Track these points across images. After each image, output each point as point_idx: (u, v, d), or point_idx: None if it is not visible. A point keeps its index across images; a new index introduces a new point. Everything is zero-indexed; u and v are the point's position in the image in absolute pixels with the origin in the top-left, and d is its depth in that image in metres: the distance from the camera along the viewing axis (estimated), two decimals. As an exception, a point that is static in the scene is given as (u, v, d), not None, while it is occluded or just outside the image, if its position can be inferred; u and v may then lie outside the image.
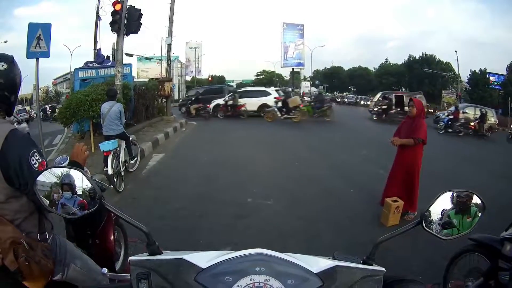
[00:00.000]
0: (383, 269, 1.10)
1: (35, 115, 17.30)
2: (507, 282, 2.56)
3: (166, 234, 4.79)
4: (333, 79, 75.32)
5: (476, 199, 1.21)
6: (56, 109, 19.89)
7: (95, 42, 19.11)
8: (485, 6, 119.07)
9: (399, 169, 5.61)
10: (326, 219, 5.56)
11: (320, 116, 20.43)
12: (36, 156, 1.80)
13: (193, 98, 23.11)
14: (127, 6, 11.63)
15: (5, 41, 42.83)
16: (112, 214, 2.57)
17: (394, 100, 25.60)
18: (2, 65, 1.83)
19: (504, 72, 52.01)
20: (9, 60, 1.87)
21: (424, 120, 5.69)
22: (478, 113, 22.16)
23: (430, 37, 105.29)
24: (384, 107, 24.14)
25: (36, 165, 1.77)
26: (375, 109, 25.58)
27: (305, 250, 1.27)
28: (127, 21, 11.67)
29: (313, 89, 52.70)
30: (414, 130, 5.43)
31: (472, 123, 20.69)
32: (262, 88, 25.59)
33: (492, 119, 22.01)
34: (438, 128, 20.72)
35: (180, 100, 28.90)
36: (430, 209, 1.20)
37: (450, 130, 19.85)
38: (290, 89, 36.60)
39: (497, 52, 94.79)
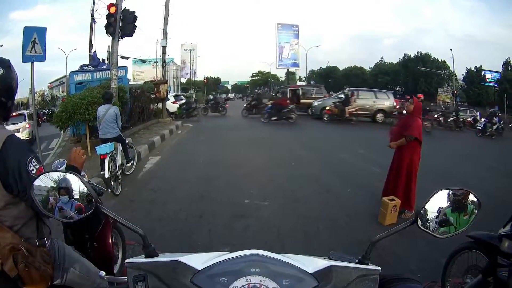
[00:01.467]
0: (379, 268, 1.10)
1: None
2: (506, 278, 2.57)
3: (164, 236, 4.80)
4: (328, 79, 75.34)
5: (471, 197, 1.21)
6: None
7: (90, 45, 19.09)
8: (481, 4, 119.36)
9: (398, 168, 5.63)
10: (324, 219, 5.57)
11: (188, 117, 22.26)
12: (34, 162, 1.79)
13: None
14: (122, 9, 11.62)
15: (1, 45, 42.69)
16: (109, 217, 2.57)
17: (289, 93, 26.04)
18: None
19: (500, 69, 52.26)
20: (6, 64, 1.84)
21: (420, 118, 5.73)
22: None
23: (426, 35, 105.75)
24: (253, 102, 24.26)
25: (34, 172, 1.75)
26: (245, 104, 26.20)
27: (303, 250, 1.28)
28: (122, 24, 11.66)
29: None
30: (407, 127, 5.50)
31: (328, 108, 20.84)
32: None
33: (386, 102, 21.58)
34: (261, 117, 20.70)
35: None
36: (425, 207, 1.20)
37: (274, 118, 19.66)
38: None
39: (493, 49, 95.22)
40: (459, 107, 24.08)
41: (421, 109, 5.80)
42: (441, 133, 18.64)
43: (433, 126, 19.89)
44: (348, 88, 24.33)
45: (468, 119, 23.18)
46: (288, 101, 21.13)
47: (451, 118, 21.00)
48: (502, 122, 21.83)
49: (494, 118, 21.36)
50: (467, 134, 20.24)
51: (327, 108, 21.04)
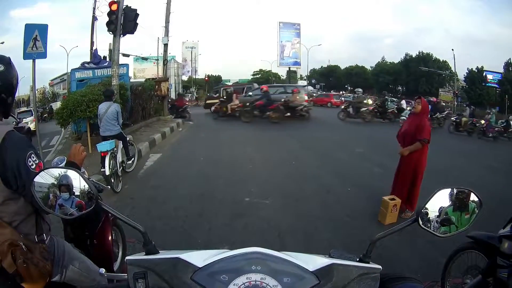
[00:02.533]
0: (380, 267, 1.10)
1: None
2: (506, 279, 2.57)
3: (164, 234, 4.81)
4: (329, 77, 75.39)
5: (473, 197, 1.21)
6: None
7: (92, 43, 19.14)
8: (482, 3, 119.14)
9: (407, 168, 5.52)
10: (324, 218, 5.57)
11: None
12: (33, 157, 1.79)
13: None
14: (124, 6, 11.60)
15: (2, 42, 42.75)
16: (110, 214, 2.57)
17: (222, 92, 26.86)
18: None
19: (502, 70, 52.19)
20: (6, 61, 1.86)
21: (428, 118, 5.69)
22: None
23: (427, 34, 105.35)
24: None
25: (33, 167, 1.76)
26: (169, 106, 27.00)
27: (303, 248, 1.28)
28: (123, 21, 11.63)
29: (310, 88, 53.88)
30: (419, 130, 5.38)
31: (214, 105, 22.09)
32: None
33: (301, 96, 20.97)
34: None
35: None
36: (426, 206, 1.20)
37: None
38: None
39: (494, 49, 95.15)
40: (386, 97, 23.77)
41: (428, 109, 5.73)
42: (350, 125, 19.05)
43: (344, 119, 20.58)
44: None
45: (390, 110, 22.01)
46: (183, 102, 22.60)
47: (369, 109, 20.98)
48: (446, 112, 21.38)
49: None
50: (390, 126, 19.56)
51: (216, 106, 22.11)
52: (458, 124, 19.11)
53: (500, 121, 19.93)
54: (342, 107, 21.81)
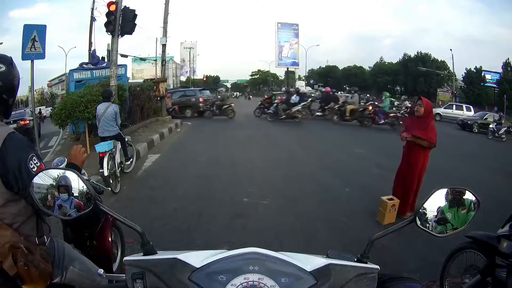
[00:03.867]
0: (377, 267, 1.10)
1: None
2: (504, 279, 2.57)
3: (163, 234, 4.80)
4: (328, 78, 75.37)
5: (470, 196, 1.20)
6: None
7: (90, 43, 19.07)
8: (481, 4, 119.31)
9: (415, 172, 5.41)
10: (322, 218, 5.57)
11: None
12: (35, 160, 1.78)
13: None
14: (122, 7, 11.59)
15: (1, 43, 42.71)
16: (109, 215, 2.57)
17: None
18: (0, 67, 1.80)
19: (500, 70, 52.29)
20: (8, 61, 1.84)
21: (433, 119, 5.59)
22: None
23: (426, 34, 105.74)
24: None
25: (35, 169, 1.75)
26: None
27: (301, 249, 1.28)
28: (121, 22, 11.62)
29: (308, 88, 54.29)
30: (429, 132, 5.27)
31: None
32: None
33: (193, 99, 22.74)
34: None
35: None
36: (424, 206, 1.19)
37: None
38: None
39: (493, 49, 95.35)
40: (273, 92, 24.17)
41: (432, 109, 5.62)
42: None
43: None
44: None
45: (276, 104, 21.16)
46: None
47: (231, 105, 21.61)
48: (332, 106, 19.73)
49: (293, 98, 19.41)
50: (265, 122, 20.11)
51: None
52: (343, 113, 18.36)
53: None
54: (207, 106, 22.46)
